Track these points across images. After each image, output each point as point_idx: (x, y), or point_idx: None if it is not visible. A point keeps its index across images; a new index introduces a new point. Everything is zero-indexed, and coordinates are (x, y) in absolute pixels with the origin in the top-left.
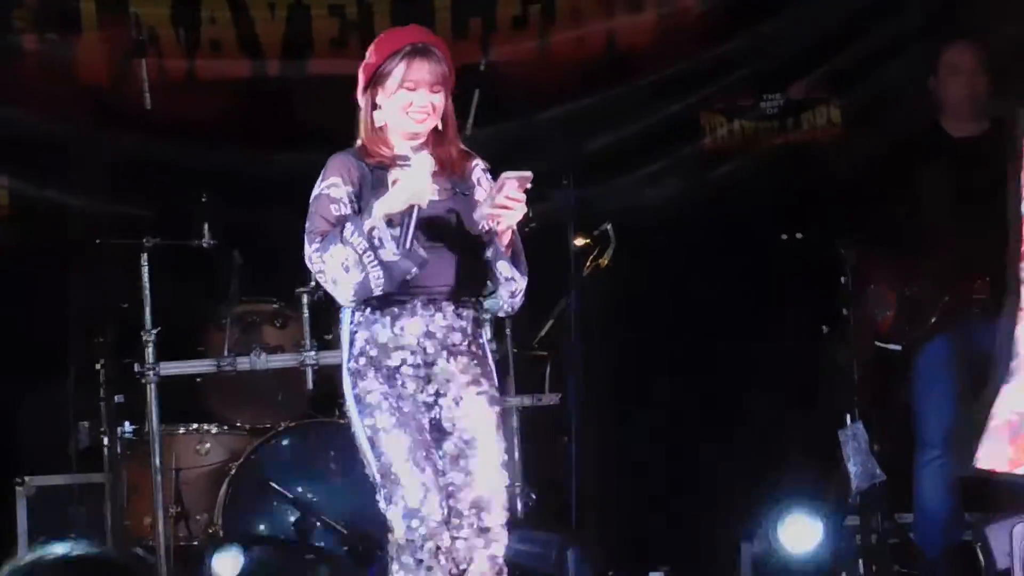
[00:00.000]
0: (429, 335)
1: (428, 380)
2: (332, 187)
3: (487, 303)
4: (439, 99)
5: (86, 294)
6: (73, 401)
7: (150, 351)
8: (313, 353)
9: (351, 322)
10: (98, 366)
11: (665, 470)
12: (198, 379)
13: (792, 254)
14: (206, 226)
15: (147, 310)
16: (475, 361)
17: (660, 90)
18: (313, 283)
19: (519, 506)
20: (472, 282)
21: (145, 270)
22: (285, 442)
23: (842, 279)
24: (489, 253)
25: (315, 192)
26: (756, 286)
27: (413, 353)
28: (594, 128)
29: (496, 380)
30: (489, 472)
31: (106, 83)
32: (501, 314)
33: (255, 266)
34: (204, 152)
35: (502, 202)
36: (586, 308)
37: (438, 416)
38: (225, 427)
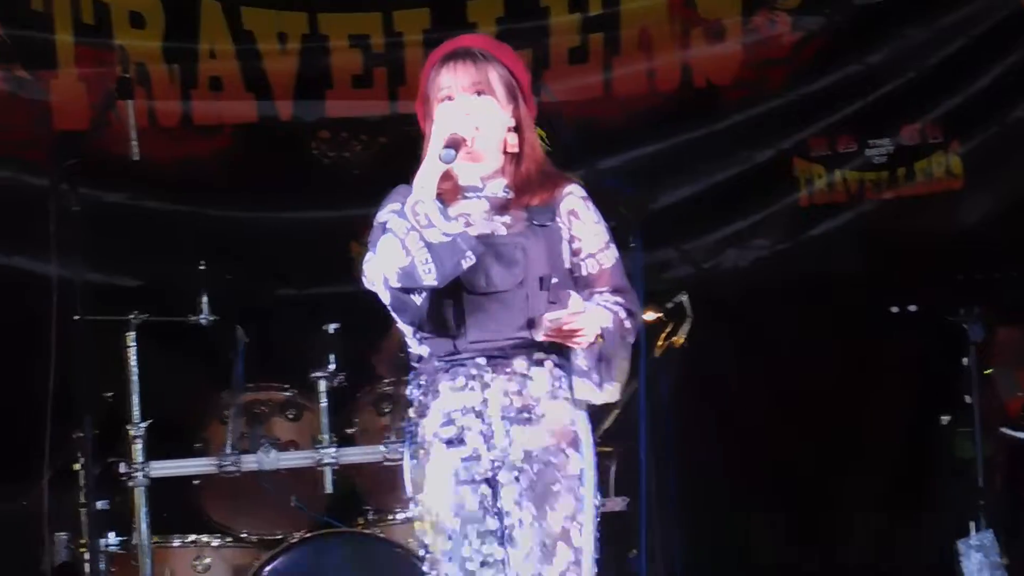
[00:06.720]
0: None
1: None
2: (391, 214)
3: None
4: (488, 104)
5: (62, 381)
6: (47, 508)
7: (138, 448)
8: (333, 450)
9: None
10: (77, 467)
11: None
12: (195, 481)
13: (904, 329)
14: (204, 299)
15: (135, 399)
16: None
17: (746, 134)
18: (333, 366)
19: None
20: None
21: (132, 351)
22: (299, 556)
23: (964, 360)
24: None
25: (374, 224)
26: (861, 368)
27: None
28: (667, 179)
29: None
30: None
31: (86, 128)
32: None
33: (263, 347)
34: (202, 210)
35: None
36: (658, 395)
37: None
38: (228, 539)
